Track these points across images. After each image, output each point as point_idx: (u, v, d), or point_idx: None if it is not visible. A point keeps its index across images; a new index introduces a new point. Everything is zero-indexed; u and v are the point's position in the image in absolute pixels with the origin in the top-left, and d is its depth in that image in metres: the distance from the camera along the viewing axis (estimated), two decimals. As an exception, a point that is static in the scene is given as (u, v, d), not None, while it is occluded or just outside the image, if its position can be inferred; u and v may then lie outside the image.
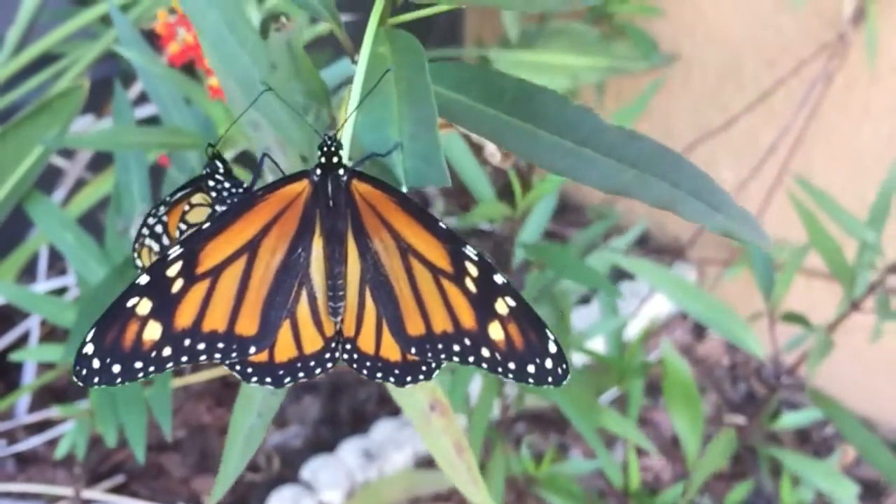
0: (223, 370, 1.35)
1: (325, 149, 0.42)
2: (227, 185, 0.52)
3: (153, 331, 0.41)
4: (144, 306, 0.40)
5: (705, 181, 0.39)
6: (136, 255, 0.59)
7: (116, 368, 0.40)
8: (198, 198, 0.55)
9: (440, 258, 0.41)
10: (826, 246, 0.97)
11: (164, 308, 0.41)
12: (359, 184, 0.42)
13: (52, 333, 1.42)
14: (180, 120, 0.87)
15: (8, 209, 0.93)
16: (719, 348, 1.60)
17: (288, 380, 0.45)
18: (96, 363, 0.40)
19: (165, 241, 0.57)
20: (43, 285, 1.33)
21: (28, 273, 1.35)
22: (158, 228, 0.57)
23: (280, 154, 0.56)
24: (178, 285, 0.41)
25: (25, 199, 0.91)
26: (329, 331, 0.45)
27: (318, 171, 0.43)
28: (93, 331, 0.40)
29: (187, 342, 0.41)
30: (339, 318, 0.44)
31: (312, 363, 0.45)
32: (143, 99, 1.26)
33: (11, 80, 1.23)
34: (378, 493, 1.23)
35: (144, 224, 0.58)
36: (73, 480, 1.16)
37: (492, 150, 0.56)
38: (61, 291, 1.34)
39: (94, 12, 1.24)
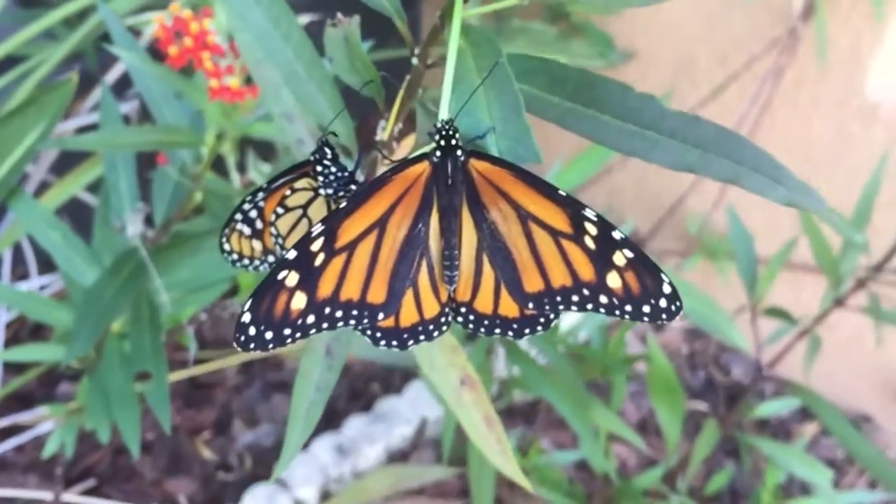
0: (191, 371, 1.34)
1: (444, 132, 0.46)
2: (333, 169, 0.55)
3: (299, 300, 0.45)
4: (292, 278, 0.44)
5: (767, 158, 0.43)
6: (224, 239, 0.61)
7: (269, 335, 0.44)
8: (302, 182, 0.57)
9: (560, 221, 0.45)
10: (817, 242, 1.01)
11: (309, 280, 0.45)
12: (476, 162, 0.46)
13: (15, 337, 1.40)
14: (173, 118, 0.87)
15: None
16: (678, 337, 1.65)
17: (411, 342, 0.49)
18: (252, 331, 0.44)
19: (259, 224, 0.60)
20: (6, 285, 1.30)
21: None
22: (253, 213, 0.60)
23: (313, 145, 0.57)
24: (320, 259, 0.45)
25: (9, 198, 0.90)
26: (443, 297, 0.49)
27: (438, 153, 0.46)
28: (249, 301, 0.44)
29: (327, 310, 0.45)
30: (453, 286, 0.48)
31: (431, 327, 0.49)
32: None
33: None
34: (361, 490, 1.24)
35: (238, 210, 0.60)
36: (51, 484, 1.15)
37: None
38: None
39: (58, 15, 1.23)
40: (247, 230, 0.60)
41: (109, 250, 0.93)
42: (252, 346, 0.44)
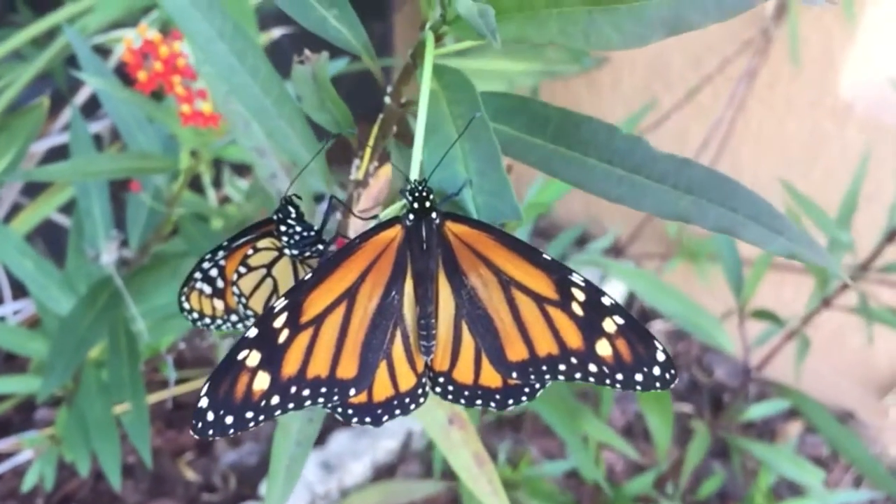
0: (170, 392, 1.32)
1: (417, 194, 0.43)
2: (298, 229, 0.53)
3: (262, 381, 0.42)
4: (254, 358, 0.41)
5: (763, 205, 0.41)
6: (183, 298, 0.58)
7: (229, 419, 0.41)
8: (265, 242, 0.55)
9: (544, 287, 0.43)
10: None
11: (272, 358, 0.42)
12: (453, 225, 0.44)
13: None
14: (145, 142, 0.85)
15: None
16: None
17: (385, 418, 0.47)
18: (210, 416, 0.41)
19: (220, 283, 0.57)
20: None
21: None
22: (213, 272, 0.57)
23: (286, 180, 0.56)
24: (284, 335, 0.42)
25: (-21, 227, 0.88)
26: (420, 368, 0.47)
27: (411, 216, 0.44)
28: (206, 385, 0.41)
29: (293, 389, 0.42)
30: (430, 355, 0.46)
31: (407, 399, 0.47)
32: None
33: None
34: (350, 506, 1.23)
35: (198, 268, 0.58)
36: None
37: None
38: None
39: (26, 35, 1.21)
40: (207, 289, 0.58)
41: (84, 277, 0.91)
42: (211, 432, 0.41)
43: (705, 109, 1.51)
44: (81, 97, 1.27)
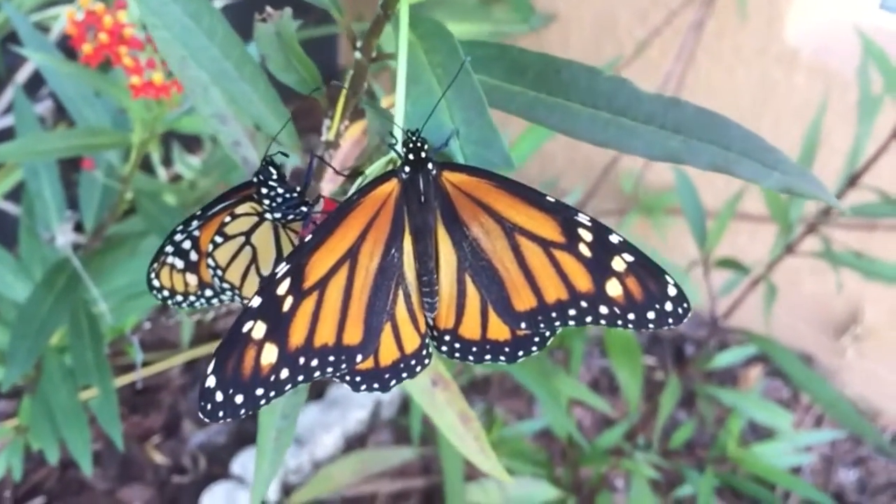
0: (137, 374, 1.30)
1: (411, 145, 0.42)
2: (280, 191, 0.50)
3: (270, 353, 0.40)
4: (259, 329, 0.39)
5: (756, 141, 0.40)
6: (153, 275, 0.55)
7: (239, 399, 0.39)
8: (244, 207, 0.53)
9: (550, 230, 0.42)
10: (767, 190, 1.02)
11: (278, 328, 0.40)
12: (450, 174, 0.43)
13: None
14: (94, 118, 0.82)
15: None
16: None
17: (393, 382, 0.45)
18: (219, 396, 0.39)
19: (193, 257, 0.54)
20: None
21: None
22: (186, 244, 0.54)
23: (251, 147, 0.54)
24: (288, 303, 0.40)
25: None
26: (423, 327, 0.45)
27: (407, 169, 0.42)
28: (213, 363, 0.39)
29: (302, 360, 0.41)
30: (433, 313, 0.45)
31: (413, 361, 0.45)
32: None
33: None
34: (326, 479, 1.22)
35: (169, 241, 0.54)
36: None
37: None
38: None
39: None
40: (179, 263, 0.55)
41: (39, 262, 0.89)
42: (221, 414, 0.39)
43: (655, 64, 1.51)
44: (21, 77, 1.23)
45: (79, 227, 0.88)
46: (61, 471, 1.31)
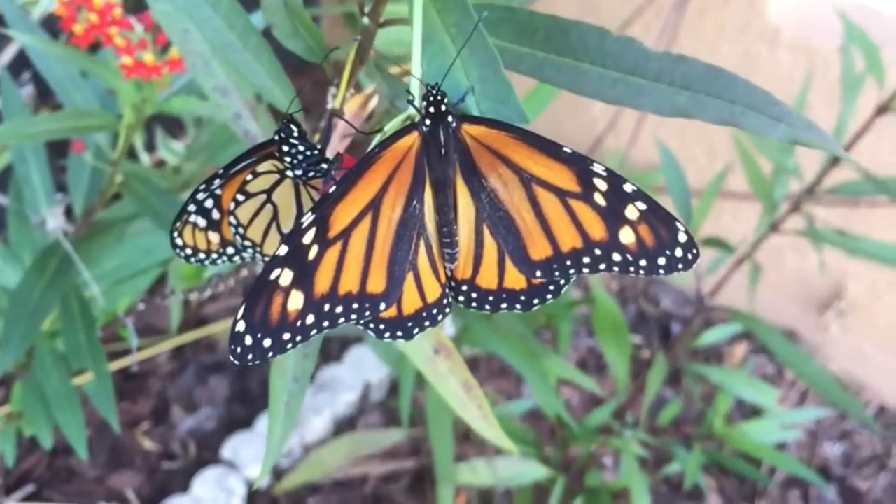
0: (121, 362, 1.29)
1: (432, 98, 0.43)
2: (301, 148, 0.50)
3: (296, 300, 0.41)
4: (286, 277, 0.41)
5: (761, 94, 0.41)
6: (176, 233, 0.56)
7: (267, 343, 0.41)
8: (265, 165, 0.53)
9: (566, 180, 0.43)
10: (751, 168, 1.02)
11: (304, 276, 0.41)
12: (470, 127, 0.43)
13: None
14: (82, 100, 0.82)
15: None
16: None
17: (416, 330, 0.46)
18: (248, 340, 0.41)
19: (215, 215, 0.55)
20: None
21: None
22: (209, 203, 0.55)
23: (252, 119, 0.54)
24: (313, 251, 0.41)
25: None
26: (443, 277, 0.46)
27: (427, 122, 0.43)
28: (242, 308, 0.40)
29: (327, 307, 0.42)
30: (454, 263, 0.46)
31: (434, 310, 0.46)
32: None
33: None
34: (317, 462, 1.22)
35: (191, 200, 0.55)
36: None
37: None
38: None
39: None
40: (202, 222, 0.55)
41: (28, 247, 0.88)
42: (250, 356, 0.41)
43: (638, 42, 1.51)
44: (2, 61, 1.22)
45: (68, 212, 0.87)
46: (51, 458, 1.31)
